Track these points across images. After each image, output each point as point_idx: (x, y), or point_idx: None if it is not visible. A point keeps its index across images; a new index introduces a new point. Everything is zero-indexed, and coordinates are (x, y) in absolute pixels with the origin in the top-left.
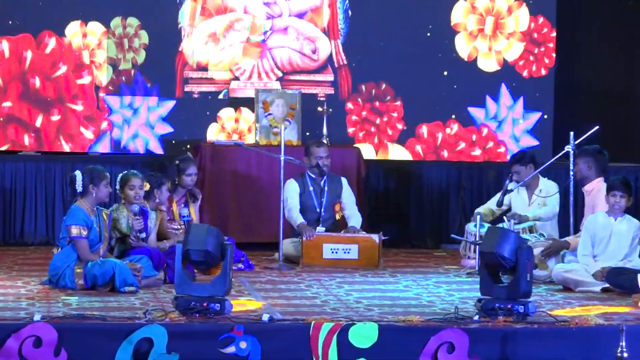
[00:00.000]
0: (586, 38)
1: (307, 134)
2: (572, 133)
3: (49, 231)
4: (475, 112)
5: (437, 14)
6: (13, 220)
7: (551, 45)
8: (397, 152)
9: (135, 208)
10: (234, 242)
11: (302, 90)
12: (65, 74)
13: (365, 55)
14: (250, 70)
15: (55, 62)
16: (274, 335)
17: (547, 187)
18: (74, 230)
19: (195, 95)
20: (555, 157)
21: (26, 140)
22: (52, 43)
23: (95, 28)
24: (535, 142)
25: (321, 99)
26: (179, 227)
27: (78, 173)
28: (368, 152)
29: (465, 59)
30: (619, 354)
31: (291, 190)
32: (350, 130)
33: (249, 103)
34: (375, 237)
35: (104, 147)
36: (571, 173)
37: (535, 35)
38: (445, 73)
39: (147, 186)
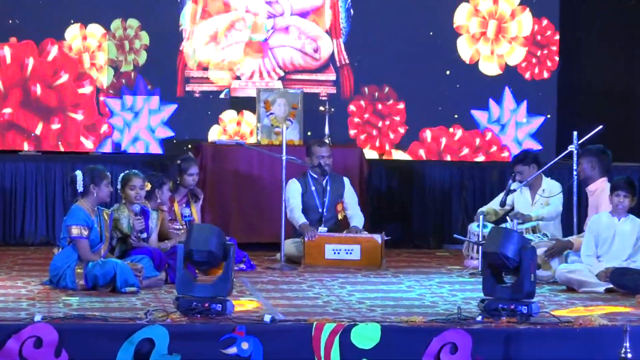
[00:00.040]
0: (586, 38)
1: (309, 133)
2: (575, 133)
3: (50, 231)
4: (478, 115)
5: (440, 15)
6: (13, 220)
7: (554, 48)
8: (399, 157)
9: (137, 208)
10: (236, 242)
11: (304, 90)
12: (66, 83)
13: (367, 55)
14: (252, 69)
15: (57, 71)
16: (276, 336)
17: (550, 186)
18: (75, 231)
19: (197, 95)
20: (559, 157)
21: (25, 147)
22: (54, 51)
23: (95, 30)
24: (538, 147)
25: (323, 98)
26: (181, 227)
27: (79, 173)
28: (370, 155)
29: (467, 62)
30: (622, 355)
31: (293, 190)
32: (352, 132)
33: (251, 104)
34: (378, 238)
35: (104, 150)
36: (574, 173)
37: (539, 37)
38: (448, 72)
39: (148, 186)
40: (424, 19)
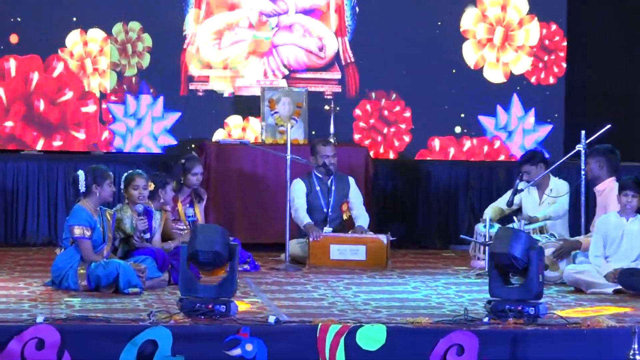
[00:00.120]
0: (587, 39)
1: (313, 132)
2: (583, 132)
3: (52, 232)
4: (485, 121)
5: (446, 17)
6: (15, 221)
7: (562, 54)
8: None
9: (140, 208)
10: (240, 242)
11: (308, 88)
12: (70, 100)
13: (372, 54)
14: (256, 68)
15: (62, 88)
16: (281, 338)
17: (558, 186)
18: (77, 231)
19: (200, 94)
20: (567, 157)
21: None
22: (59, 67)
23: (96, 35)
24: (546, 155)
25: (328, 97)
26: (185, 227)
27: (81, 173)
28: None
29: (472, 67)
30: (631, 357)
31: (298, 190)
32: (357, 137)
33: (256, 105)
34: (383, 238)
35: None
36: (582, 172)
37: (547, 42)
38: (454, 71)
39: (152, 186)
40: (429, 19)
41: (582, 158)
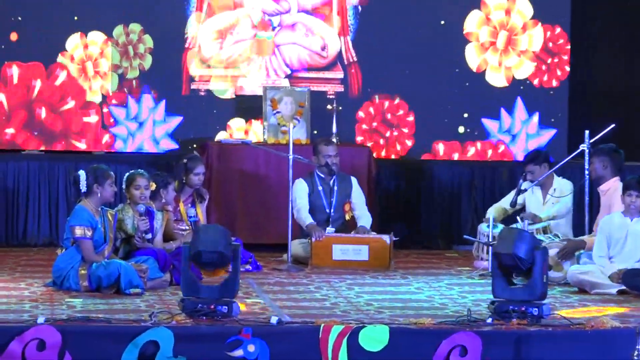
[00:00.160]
0: (588, 40)
1: (315, 132)
2: (587, 132)
3: (53, 232)
4: (489, 124)
5: (450, 17)
6: (16, 221)
7: (565, 57)
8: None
9: (141, 208)
10: (242, 242)
11: (311, 88)
12: (72, 110)
13: (374, 53)
14: (258, 67)
15: (64, 96)
16: (283, 338)
17: (562, 186)
18: (78, 231)
19: (202, 93)
20: (570, 156)
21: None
22: (62, 76)
23: (96, 37)
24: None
25: (330, 96)
26: (187, 227)
27: (82, 172)
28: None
29: (474, 70)
30: (635, 357)
31: (300, 190)
32: (359, 139)
33: (258, 105)
34: (386, 238)
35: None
36: (586, 172)
37: (550, 44)
38: (457, 70)
39: (153, 186)
40: (432, 19)
41: (586, 158)
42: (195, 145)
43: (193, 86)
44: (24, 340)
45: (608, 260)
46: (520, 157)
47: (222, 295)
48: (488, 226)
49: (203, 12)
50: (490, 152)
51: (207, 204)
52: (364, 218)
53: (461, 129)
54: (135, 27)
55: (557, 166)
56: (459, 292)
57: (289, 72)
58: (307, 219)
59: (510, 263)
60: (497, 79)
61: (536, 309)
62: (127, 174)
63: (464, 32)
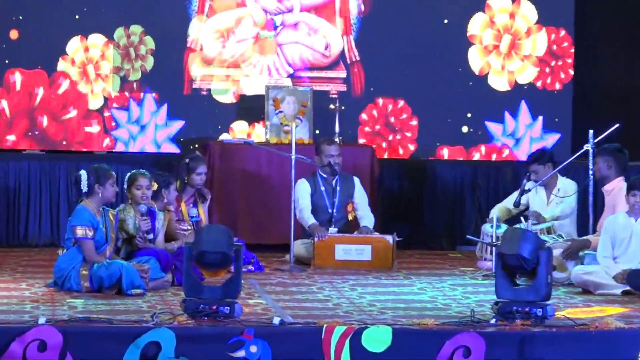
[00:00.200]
0: (588, 40)
1: (318, 132)
2: (591, 131)
3: (54, 232)
4: (493, 127)
5: (453, 18)
6: (17, 221)
7: (569, 60)
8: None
9: (143, 208)
10: (244, 243)
11: (313, 87)
12: (74, 119)
13: (377, 53)
14: (261, 66)
15: (66, 105)
16: (285, 339)
17: (566, 185)
18: (80, 231)
19: (204, 93)
20: (574, 156)
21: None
22: (65, 85)
23: (96, 40)
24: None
25: (333, 96)
26: (189, 227)
27: (83, 172)
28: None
29: (477, 73)
30: (639, 358)
31: (302, 190)
32: (361, 141)
33: (260, 104)
34: (389, 238)
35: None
36: (590, 172)
37: (554, 47)
38: (460, 69)
39: (155, 186)
40: (435, 19)
41: (590, 158)
42: (197, 145)
43: (194, 86)
44: (24, 341)
45: (612, 260)
46: (524, 159)
47: (224, 295)
48: (492, 226)
49: (204, 15)
50: (494, 156)
51: (209, 204)
52: (367, 218)
53: (464, 129)
54: (136, 29)
55: (561, 166)
56: (463, 292)
57: (291, 71)
58: (309, 219)
59: (514, 263)
60: (499, 82)
61: (540, 310)
62: (128, 173)
63: (468, 35)
